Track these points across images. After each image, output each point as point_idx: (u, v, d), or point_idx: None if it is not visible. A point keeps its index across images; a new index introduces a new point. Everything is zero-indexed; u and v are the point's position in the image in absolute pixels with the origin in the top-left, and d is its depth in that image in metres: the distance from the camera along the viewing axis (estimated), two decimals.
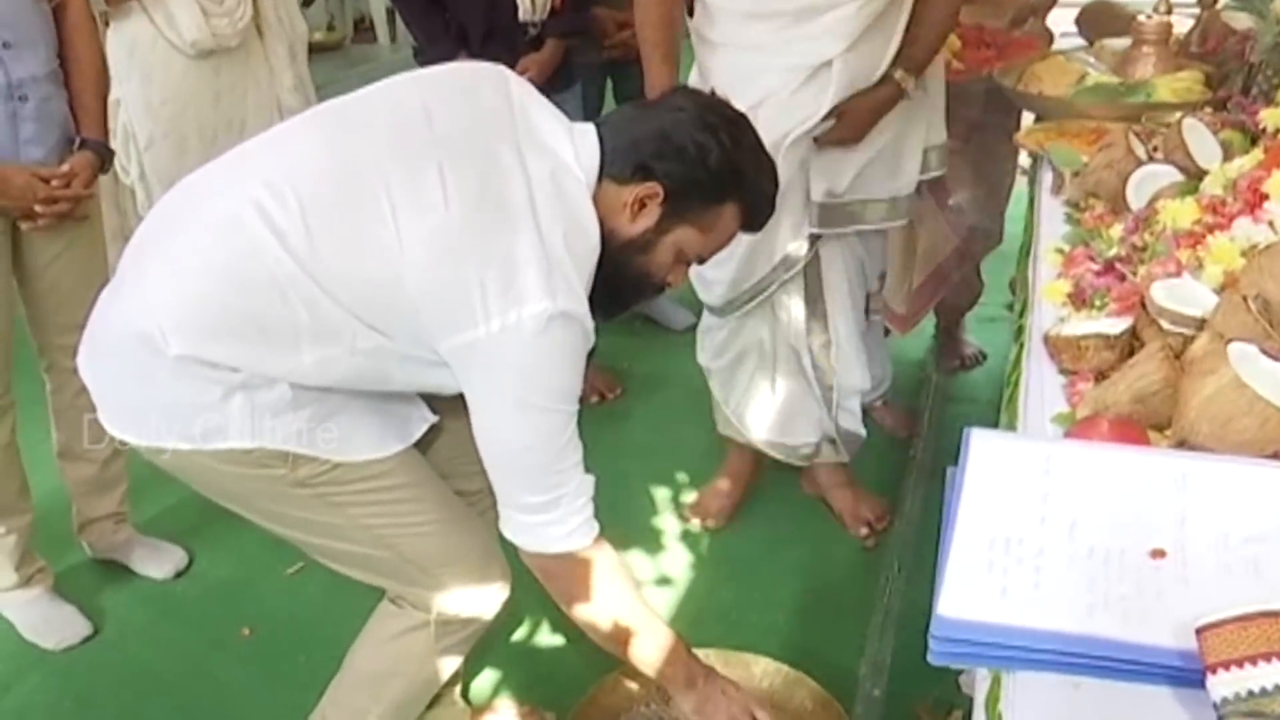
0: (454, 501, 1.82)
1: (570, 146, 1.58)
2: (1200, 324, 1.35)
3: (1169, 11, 2.48)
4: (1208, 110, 2.10)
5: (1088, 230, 1.80)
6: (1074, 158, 2.00)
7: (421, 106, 1.57)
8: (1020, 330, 1.68)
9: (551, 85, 2.92)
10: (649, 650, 1.77)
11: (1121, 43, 2.52)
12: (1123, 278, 1.58)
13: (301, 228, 1.49)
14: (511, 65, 1.74)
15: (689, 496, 2.92)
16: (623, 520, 2.80)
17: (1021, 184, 3.06)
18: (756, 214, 1.69)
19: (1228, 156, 1.80)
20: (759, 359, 2.62)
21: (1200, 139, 1.82)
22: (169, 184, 1.74)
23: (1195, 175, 1.76)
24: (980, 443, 1.22)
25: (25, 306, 2.36)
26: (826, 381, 2.59)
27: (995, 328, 3.63)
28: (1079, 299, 1.59)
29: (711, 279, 2.51)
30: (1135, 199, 1.78)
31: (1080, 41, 2.78)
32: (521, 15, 2.95)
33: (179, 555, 2.72)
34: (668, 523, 2.85)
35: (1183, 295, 1.40)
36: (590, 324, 1.54)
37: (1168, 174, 1.78)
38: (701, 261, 1.72)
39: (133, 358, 1.55)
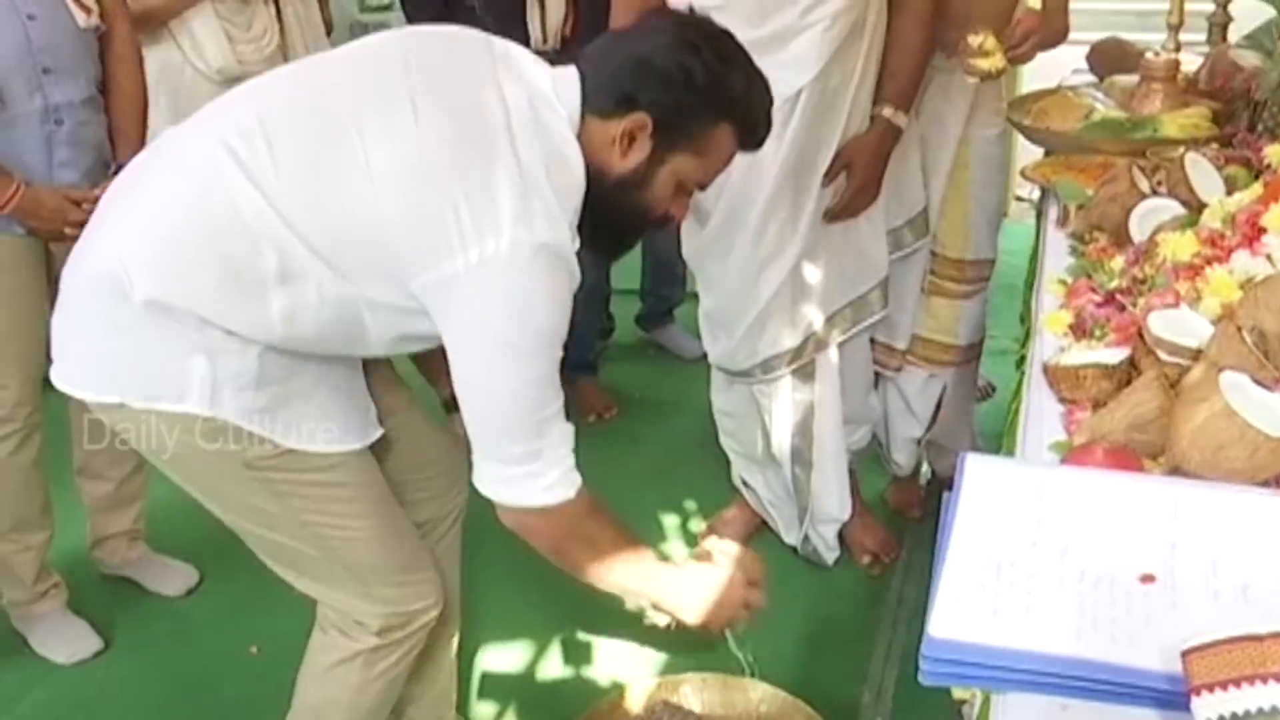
0: (397, 514, 1.78)
1: (550, 83, 1.54)
2: (1196, 354, 1.37)
3: (1177, 49, 2.52)
4: (1214, 146, 2.13)
5: (1091, 262, 1.82)
6: (1079, 191, 2.03)
7: (399, 49, 1.56)
8: (1022, 360, 1.70)
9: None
10: (642, 586, 1.73)
11: (1130, 79, 2.55)
12: (1123, 309, 1.60)
13: (268, 162, 1.47)
14: None
15: (699, 524, 2.94)
16: None
17: (1031, 219, 3.08)
18: (752, 130, 1.62)
19: (1231, 192, 1.82)
20: (754, 439, 2.66)
21: (1202, 174, 1.84)
22: None
23: (1197, 209, 1.78)
24: (975, 467, 1.24)
25: None
26: (803, 501, 2.64)
27: (1005, 360, 3.63)
28: (1080, 329, 1.61)
29: (713, 338, 2.56)
30: (1138, 232, 1.80)
31: (1090, 77, 2.80)
32: (533, 44, 2.98)
33: (190, 573, 2.75)
34: (677, 550, 2.87)
35: (1180, 326, 1.42)
36: (575, 262, 1.49)
37: (1170, 208, 1.81)
38: (703, 188, 1.66)
39: (98, 304, 1.52)
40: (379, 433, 1.72)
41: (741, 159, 2.25)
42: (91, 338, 1.56)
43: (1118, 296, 1.63)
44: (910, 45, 2.28)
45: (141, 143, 2.37)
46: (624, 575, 1.70)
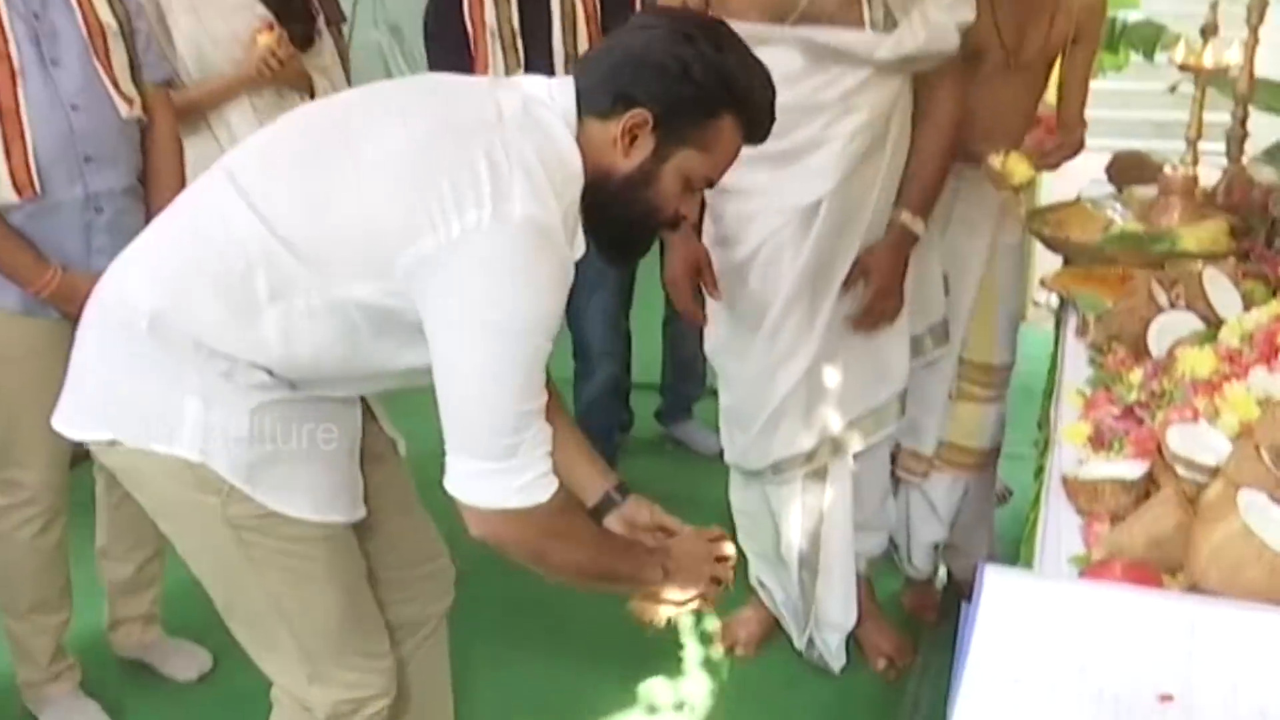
0: (365, 597, 1.76)
1: (545, 88, 1.53)
2: (1215, 471, 1.38)
3: (1195, 163, 2.55)
4: (1231, 261, 2.16)
5: (1109, 374, 1.84)
6: (1098, 303, 2.05)
7: (400, 81, 1.61)
8: (1040, 470, 1.71)
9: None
10: (626, 570, 1.67)
11: (1149, 191, 2.59)
12: (1141, 422, 1.61)
13: (259, 175, 1.51)
14: None
15: (714, 623, 2.92)
16: (644, 644, 2.80)
17: (1049, 325, 3.11)
18: (756, 122, 1.57)
19: (1248, 307, 1.84)
20: (768, 539, 2.66)
21: (1220, 289, 1.87)
22: None
23: (1215, 324, 1.81)
24: (995, 580, 1.24)
25: None
26: (808, 606, 2.64)
27: (1022, 465, 3.61)
28: (1098, 442, 1.62)
29: (729, 435, 2.59)
30: (1156, 345, 1.82)
31: (1109, 189, 2.84)
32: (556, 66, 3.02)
33: (203, 657, 2.75)
34: (690, 648, 2.85)
35: (1198, 442, 1.43)
36: (566, 248, 1.46)
37: (1188, 322, 1.83)
38: (711, 185, 1.63)
39: (103, 337, 1.56)
40: (363, 512, 1.70)
41: (762, 262, 2.29)
42: (93, 375, 1.59)
43: (1136, 410, 1.65)
44: (931, 154, 2.32)
45: None
46: (608, 567, 1.64)
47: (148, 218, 2.35)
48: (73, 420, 1.63)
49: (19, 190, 2.12)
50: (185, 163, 2.59)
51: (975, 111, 2.39)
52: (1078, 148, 2.66)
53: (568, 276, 1.47)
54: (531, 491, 1.47)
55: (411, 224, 1.40)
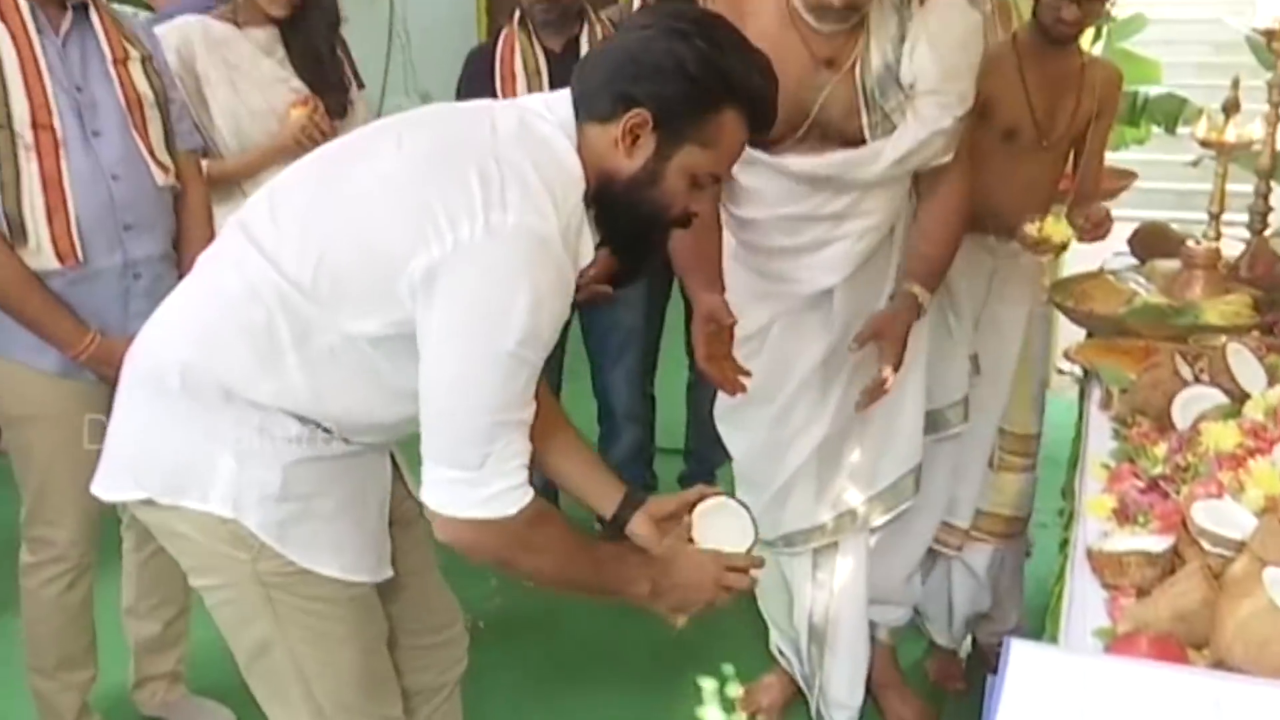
0: (383, 658, 1.76)
1: (542, 101, 1.55)
2: (1240, 546, 1.39)
3: (1218, 237, 2.58)
4: (1255, 334, 2.17)
5: (1134, 447, 1.84)
6: (1122, 376, 2.07)
7: (402, 114, 1.64)
8: (1065, 543, 1.71)
9: (614, 281, 3.02)
10: (604, 586, 1.66)
11: (1171, 264, 2.61)
12: (1166, 496, 1.62)
13: (268, 220, 1.54)
14: None
15: (736, 689, 2.91)
16: (663, 708, 2.80)
17: (1072, 394, 3.11)
18: (759, 114, 1.55)
19: (1272, 381, 1.86)
20: (783, 607, 2.66)
21: (1244, 363, 1.88)
22: None
23: (1239, 398, 1.82)
24: (1020, 654, 1.25)
25: None
26: (811, 681, 2.63)
27: (1046, 533, 3.61)
28: (1123, 515, 1.63)
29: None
30: (1180, 419, 1.83)
31: (1131, 260, 2.86)
32: None
33: (227, 716, 2.75)
34: (712, 714, 2.84)
35: (1223, 517, 1.44)
36: (565, 258, 1.45)
37: (1212, 396, 1.84)
38: (718, 181, 1.62)
39: (138, 396, 1.60)
40: (390, 572, 1.71)
41: (775, 339, 2.28)
42: (128, 436, 1.62)
43: (1161, 484, 1.66)
44: (939, 237, 2.31)
45: None
46: (582, 579, 1.63)
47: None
48: (109, 482, 1.67)
49: (61, 258, 2.17)
50: (216, 228, 2.65)
51: (1009, 188, 2.45)
52: (1105, 216, 2.64)
53: (567, 286, 1.47)
54: (499, 503, 1.47)
55: (408, 246, 1.41)
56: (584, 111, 1.52)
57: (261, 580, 1.60)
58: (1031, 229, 2.42)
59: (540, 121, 1.51)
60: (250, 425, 1.54)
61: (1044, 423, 2.80)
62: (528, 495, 1.49)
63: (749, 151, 1.76)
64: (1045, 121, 2.52)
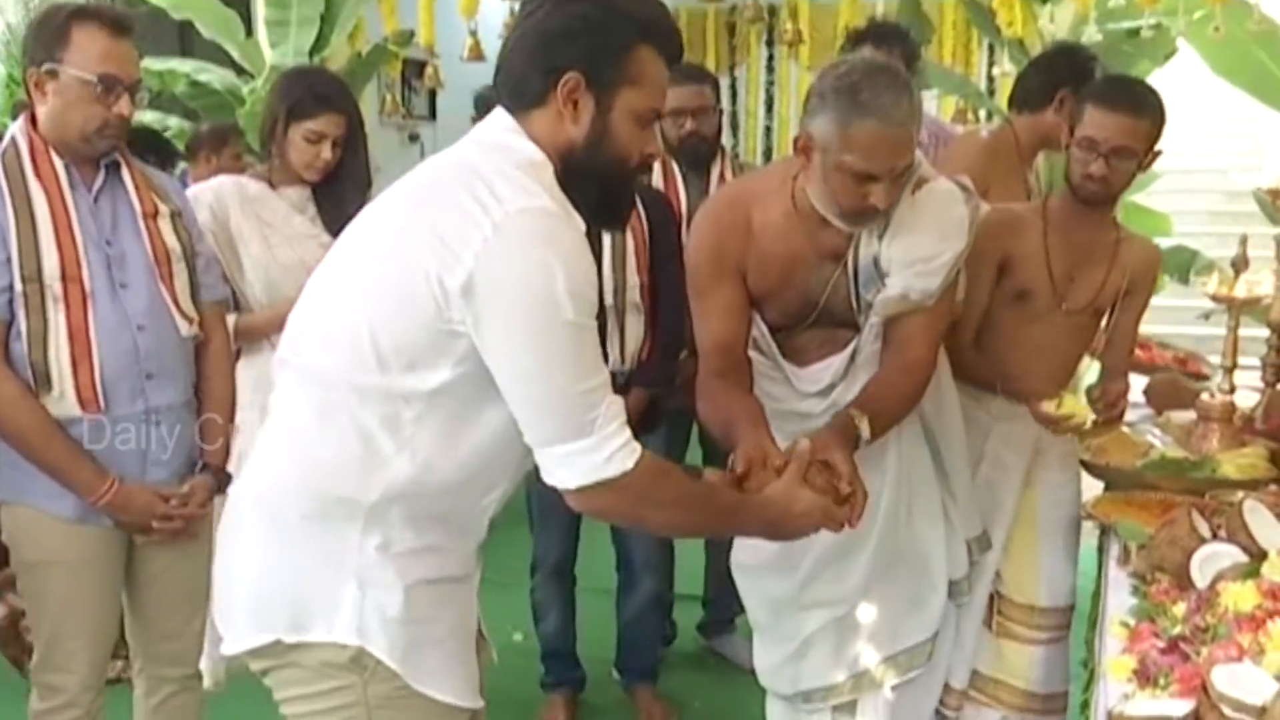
0: None
1: (481, 125, 1.65)
2: (1261, 712, 1.36)
3: (1232, 390, 2.58)
4: (1272, 488, 2.16)
5: (1153, 605, 1.82)
6: (1139, 532, 2.05)
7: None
8: (1086, 705, 1.68)
9: (634, 429, 3.03)
10: (726, 529, 1.96)
11: (1187, 415, 2.62)
12: (1186, 658, 1.60)
13: (301, 338, 1.64)
14: None
15: None
16: None
17: (1091, 539, 3.08)
18: (665, 38, 1.65)
19: None
20: None
21: (1261, 520, 1.87)
22: None
23: (1258, 555, 1.80)
24: None
25: (129, 612, 2.46)
26: None
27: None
28: (1144, 676, 1.60)
29: (759, 653, 2.56)
30: (1199, 576, 1.82)
31: (1147, 411, 2.87)
32: (611, 365, 3.08)
33: None
34: None
35: (1243, 682, 1.42)
36: (571, 218, 1.55)
37: (1230, 554, 1.83)
38: (660, 115, 1.69)
39: (255, 531, 1.64)
40: (481, 702, 1.74)
41: None
42: (245, 580, 1.66)
43: (1181, 645, 1.63)
44: (894, 393, 2.21)
45: (228, 445, 2.49)
46: (706, 526, 1.89)
47: (201, 430, 2.43)
48: (231, 636, 1.67)
49: (84, 406, 2.20)
50: (240, 379, 2.69)
51: (1020, 350, 2.45)
52: (1121, 395, 2.62)
53: (584, 244, 1.56)
54: (617, 461, 1.55)
55: (436, 275, 1.49)
56: (519, 103, 1.61)
57: (369, 704, 1.61)
58: (1049, 406, 2.38)
59: (490, 135, 1.62)
60: (371, 545, 1.59)
61: (1069, 597, 2.66)
62: (638, 448, 1.58)
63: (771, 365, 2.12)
64: (1064, 287, 2.49)
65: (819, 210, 2.12)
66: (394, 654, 1.60)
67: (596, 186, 1.62)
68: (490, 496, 1.70)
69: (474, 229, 1.48)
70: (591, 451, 1.54)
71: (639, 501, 1.63)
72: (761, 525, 1.83)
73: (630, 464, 1.56)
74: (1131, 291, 2.54)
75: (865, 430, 2.18)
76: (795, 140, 2.12)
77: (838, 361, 2.26)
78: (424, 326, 1.52)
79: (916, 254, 2.15)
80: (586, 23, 1.58)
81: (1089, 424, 2.40)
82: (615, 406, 1.57)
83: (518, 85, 1.61)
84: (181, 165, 4.57)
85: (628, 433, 1.58)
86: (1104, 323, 2.63)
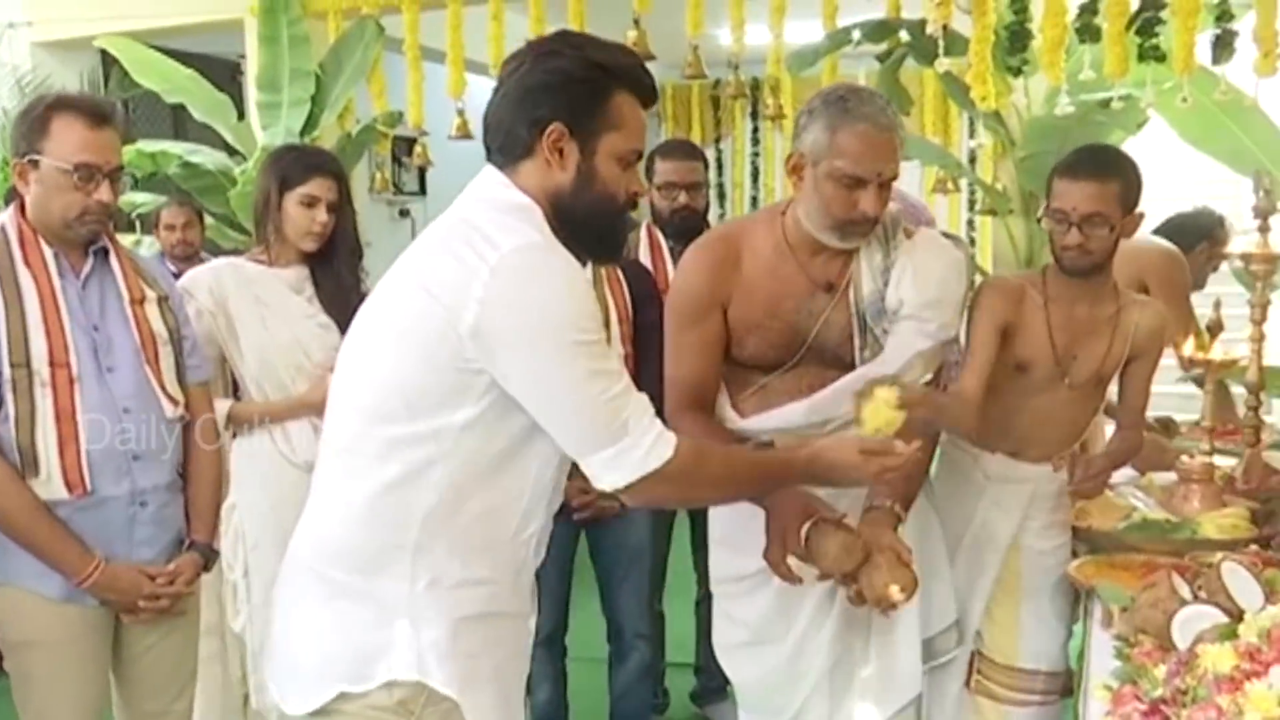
0: None
1: (471, 185, 1.74)
2: None
3: (1212, 451, 2.61)
4: (1253, 548, 2.17)
5: (1136, 667, 1.82)
6: (1121, 595, 2.06)
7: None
8: None
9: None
10: (770, 490, 1.97)
11: (1168, 477, 2.64)
12: None
13: (338, 415, 1.75)
14: None
15: None
16: None
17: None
18: (639, 83, 1.74)
19: (1270, 596, 1.85)
20: None
21: (1240, 582, 1.87)
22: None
23: (1237, 617, 1.81)
24: None
25: (116, 690, 2.46)
26: None
27: None
28: None
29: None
30: (1180, 638, 1.82)
31: (1130, 473, 2.89)
32: None
33: None
34: None
35: None
36: (564, 252, 1.63)
37: (1210, 615, 1.83)
38: (640, 156, 1.76)
39: (304, 594, 1.72)
40: None
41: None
42: (302, 643, 1.72)
43: (1162, 707, 1.63)
44: (921, 468, 2.28)
45: (214, 522, 2.51)
46: (754, 491, 1.95)
47: (186, 510, 2.44)
48: (297, 696, 1.72)
49: (70, 488, 2.22)
50: (238, 456, 2.70)
51: (1020, 419, 2.47)
52: (1135, 450, 2.65)
53: (579, 270, 1.65)
54: (657, 452, 1.65)
55: (446, 323, 1.58)
56: (508, 158, 1.70)
57: None
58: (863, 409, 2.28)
59: (481, 191, 1.72)
60: (421, 585, 1.66)
61: (1058, 661, 2.63)
62: (673, 437, 1.67)
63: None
64: (1067, 363, 2.48)
65: (811, 231, 2.19)
66: (451, 684, 1.65)
67: (588, 226, 1.72)
68: (529, 530, 1.75)
69: (473, 276, 1.57)
70: (632, 449, 1.63)
71: (689, 484, 1.74)
72: (810, 476, 1.94)
73: (669, 453, 1.65)
74: (1136, 357, 2.53)
75: (902, 513, 2.24)
76: (787, 160, 2.20)
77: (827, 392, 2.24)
78: (443, 368, 1.61)
79: (930, 294, 2.21)
80: (566, 76, 1.68)
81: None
82: (642, 403, 1.66)
83: (505, 139, 1.70)
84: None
85: (659, 424, 1.67)
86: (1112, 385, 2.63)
